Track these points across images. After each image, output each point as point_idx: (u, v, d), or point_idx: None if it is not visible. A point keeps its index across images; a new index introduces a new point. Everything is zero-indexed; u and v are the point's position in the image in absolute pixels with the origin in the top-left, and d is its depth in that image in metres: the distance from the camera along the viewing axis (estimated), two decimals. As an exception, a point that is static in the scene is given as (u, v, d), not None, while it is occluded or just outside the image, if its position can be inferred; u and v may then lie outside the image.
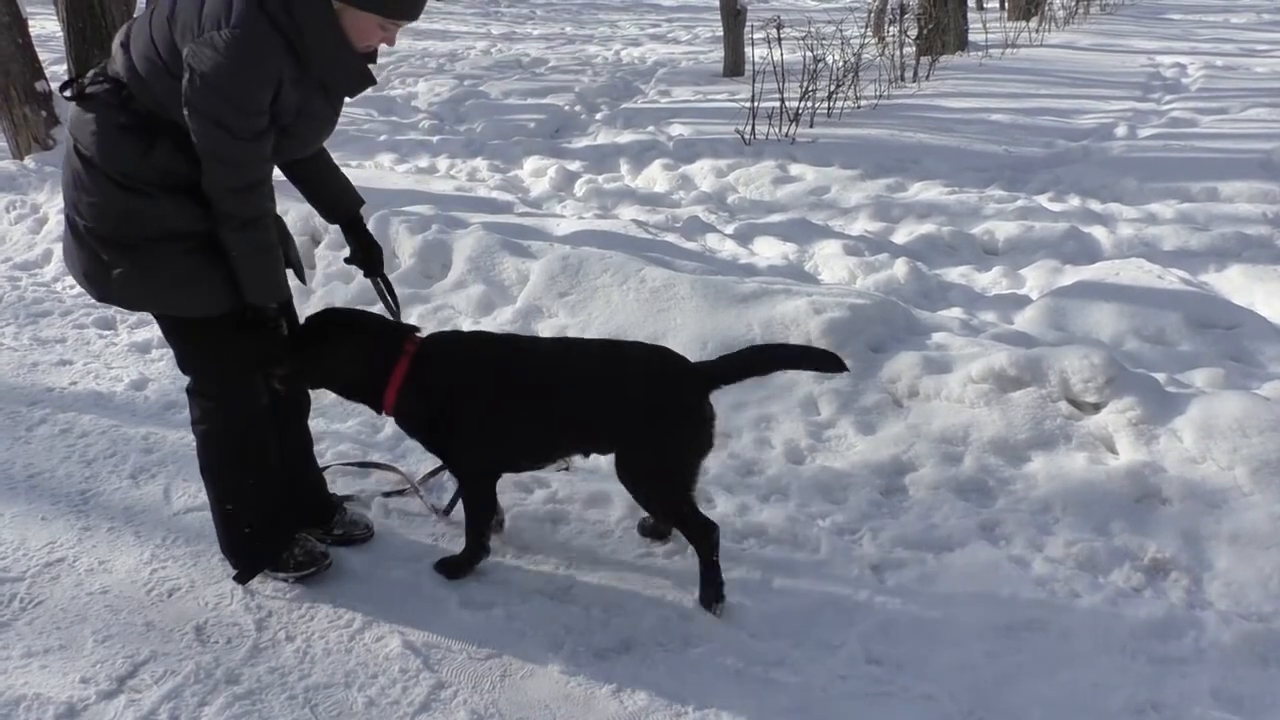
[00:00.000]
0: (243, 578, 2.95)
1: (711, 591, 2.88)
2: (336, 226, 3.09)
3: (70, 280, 5.24)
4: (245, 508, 2.90)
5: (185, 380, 2.85)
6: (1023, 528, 3.20)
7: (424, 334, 2.95)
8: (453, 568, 3.02)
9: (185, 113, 2.37)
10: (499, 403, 2.84)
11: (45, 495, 3.43)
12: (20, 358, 4.54)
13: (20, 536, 3.19)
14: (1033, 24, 14.65)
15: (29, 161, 6.77)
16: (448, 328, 4.53)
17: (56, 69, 8.70)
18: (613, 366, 2.89)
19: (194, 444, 2.90)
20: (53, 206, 6.14)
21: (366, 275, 3.10)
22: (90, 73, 2.57)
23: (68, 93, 2.55)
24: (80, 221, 2.56)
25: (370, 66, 2.55)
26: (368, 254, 3.04)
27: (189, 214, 2.53)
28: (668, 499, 2.89)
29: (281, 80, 2.37)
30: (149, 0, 2.71)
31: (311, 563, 2.96)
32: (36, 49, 7.14)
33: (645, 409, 2.81)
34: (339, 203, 2.97)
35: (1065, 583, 2.97)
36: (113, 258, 2.55)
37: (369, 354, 2.85)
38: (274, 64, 2.35)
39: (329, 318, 2.93)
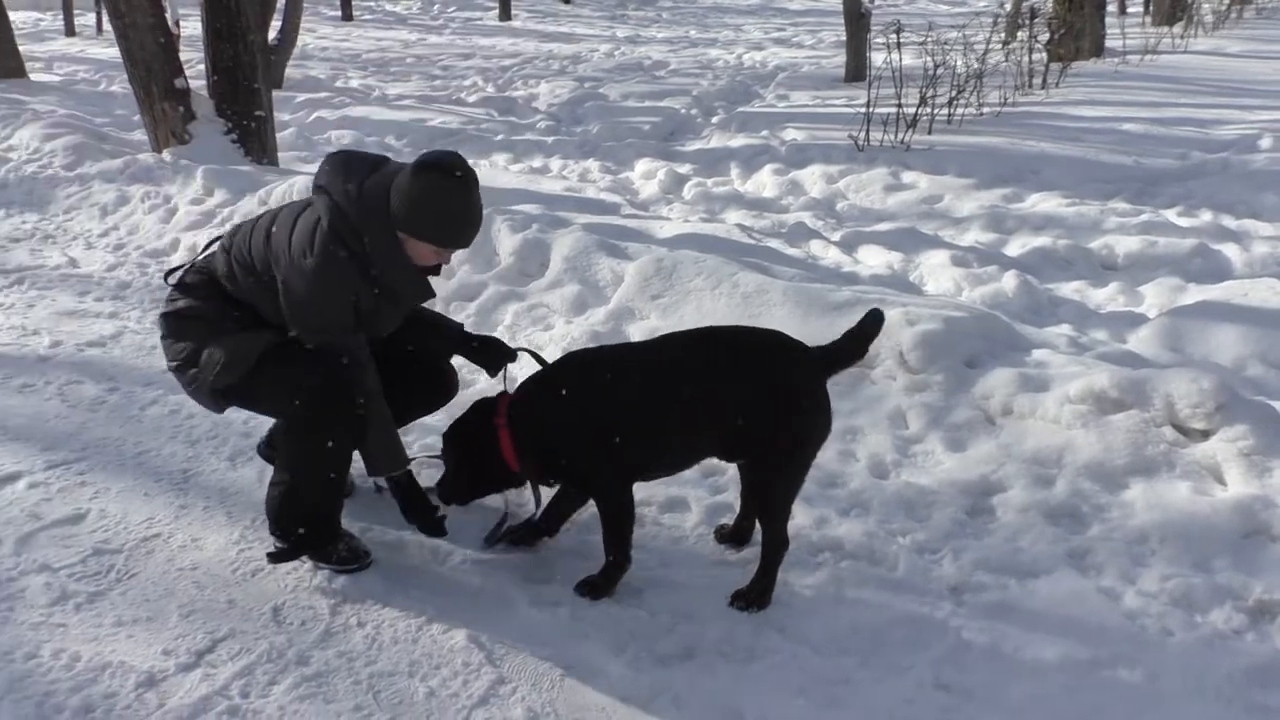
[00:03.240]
0: (279, 559, 3.03)
1: (755, 596, 2.88)
2: None
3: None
4: (316, 489, 2.98)
5: None
6: (1115, 558, 3.04)
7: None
8: (597, 587, 2.95)
9: (291, 327, 2.94)
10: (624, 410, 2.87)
11: (150, 472, 3.60)
12: (141, 340, 4.78)
13: (123, 510, 3.36)
14: (1177, 29, 13.96)
15: (166, 155, 7.13)
16: (539, 325, 4.59)
17: (201, 68, 9.12)
18: (736, 354, 2.88)
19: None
20: (184, 198, 6.46)
21: (509, 360, 3.31)
22: (194, 262, 3.14)
23: (171, 279, 3.12)
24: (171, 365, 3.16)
25: (431, 278, 3.02)
26: (495, 352, 3.29)
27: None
28: (790, 486, 2.90)
29: (358, 293, 2.90)
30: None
31: (354, 559, 3.06)
32: (182, 48, 7.52)
33: (774, 393, 2.80)
34: (445, 334, 3.31)
35: (1158, 619, 2.82)
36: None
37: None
38: (351, 283, 2.88)
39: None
